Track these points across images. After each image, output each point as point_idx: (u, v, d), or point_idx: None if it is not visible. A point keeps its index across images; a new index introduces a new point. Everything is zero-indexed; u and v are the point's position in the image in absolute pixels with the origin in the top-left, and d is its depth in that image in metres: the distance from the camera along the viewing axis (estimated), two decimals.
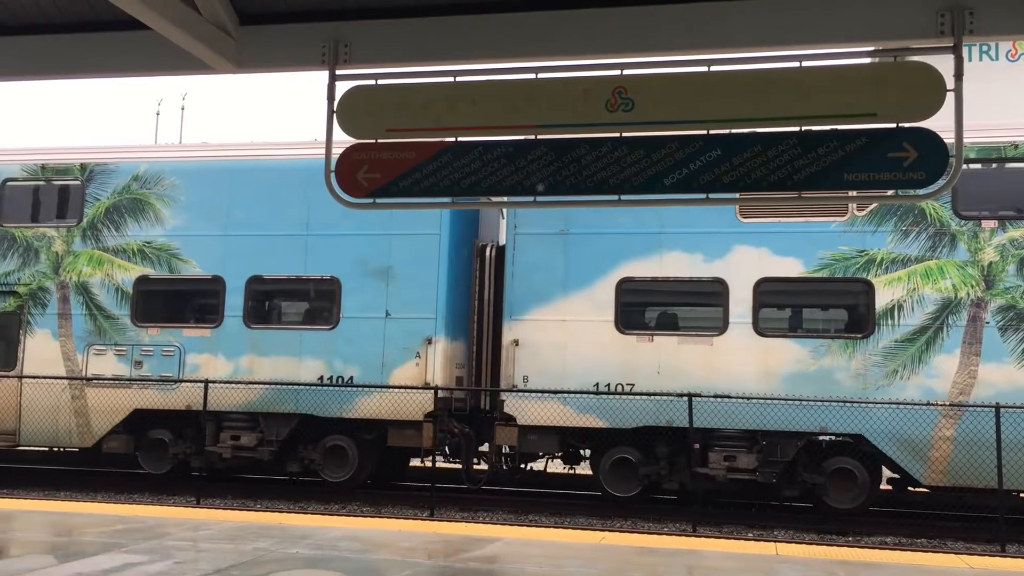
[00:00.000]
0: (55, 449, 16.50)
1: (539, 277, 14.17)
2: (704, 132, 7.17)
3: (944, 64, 6.81)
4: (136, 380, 14.99)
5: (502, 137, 7.47)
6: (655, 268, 13.91)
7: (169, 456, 15.22)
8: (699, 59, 7.22)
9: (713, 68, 7.16)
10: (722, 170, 7.13)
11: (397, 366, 14.39)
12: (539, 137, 7.41)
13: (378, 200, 7.74)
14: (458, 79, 7.55)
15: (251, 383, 14.67)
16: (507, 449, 14.57)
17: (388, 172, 7.60)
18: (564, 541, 10.30)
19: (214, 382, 14.37)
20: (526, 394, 13.73)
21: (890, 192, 7.51)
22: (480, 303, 14.98)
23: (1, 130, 73.24)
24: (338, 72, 7.77)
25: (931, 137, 6.81)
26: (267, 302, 15.61)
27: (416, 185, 7.58)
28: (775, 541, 11.41)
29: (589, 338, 13.84)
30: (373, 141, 7.66)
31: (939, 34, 6.88)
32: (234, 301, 15.10)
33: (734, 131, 7.16)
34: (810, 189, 7.06)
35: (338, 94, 7.70)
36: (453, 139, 7.52)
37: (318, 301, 15.25)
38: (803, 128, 7.00)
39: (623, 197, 7.42)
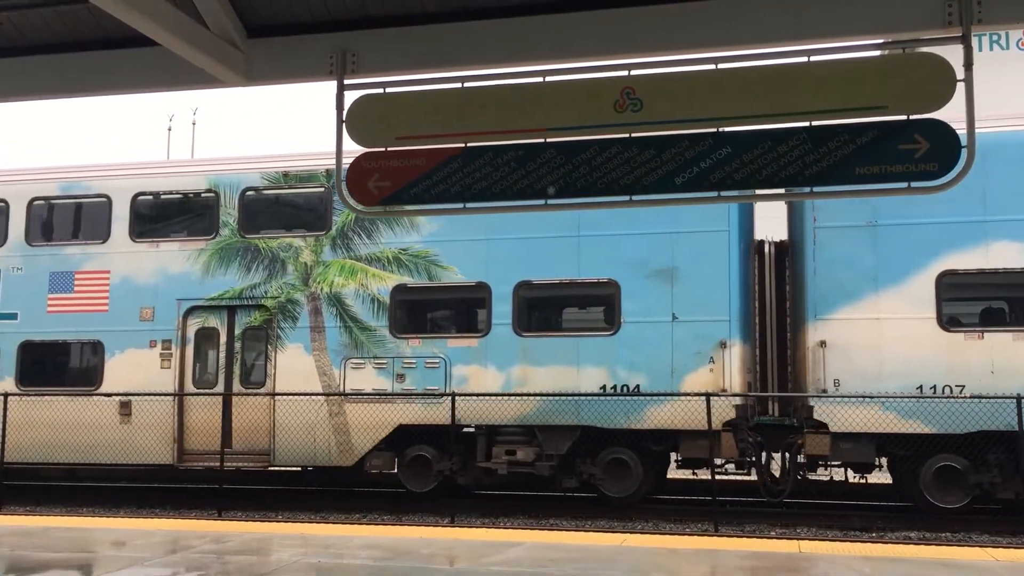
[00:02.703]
0: (307, 468, 15.90)
1: (845, 273, 13.27)
2: (714, 130, 7.16)
3: (954, 54, 6.78)
4: (400, 395, 14.30)
5: (512, 141, 7.48)
6: (980, 259, 12.96)
7: (433, 473, 14.47)
8: (706, 57, 7.21)
9: (721, 66, 7.15)
10: (733, 167, 7.12)
11: (689, 372, 13.54)
12: (548, 140, 7.42)
13: (389, 208, 7.78)
14: (466, 85, 7.58)
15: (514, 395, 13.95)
16: (803, 458, 13.61)
17: (398, 180, 7.62)
18: (586, 544, 10.27)
19: (475, 395, 13.89)
20: (839, 399, 12.94)
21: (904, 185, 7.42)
22: (761, 302, 14.10)
23: (13, 150, 73.79)
24: (346, 82, 7.81)
25: (942, 128, 6.79)
26: (538, 308, 14.92)
27: (427, 192, 7.61)
28: (798, 539, 11.35)
29: (907, 337, 12.95)
30: (383, 149, 7.69)
31: (947, 24, 6.86)
32: (502, 308, 14.31)
33: (744, 128, 7.14)
34: (821, 184, 7.04)
35: (347, 104, 7.74)
36: (463, 145, 7.54)
37: (595, 306, 14.68)
38: (813, 123, 6.98)
39: (635, 197, 7.41)
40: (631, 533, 11.68)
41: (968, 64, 6.75)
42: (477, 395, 13.92)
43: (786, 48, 7.17)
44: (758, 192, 7.86)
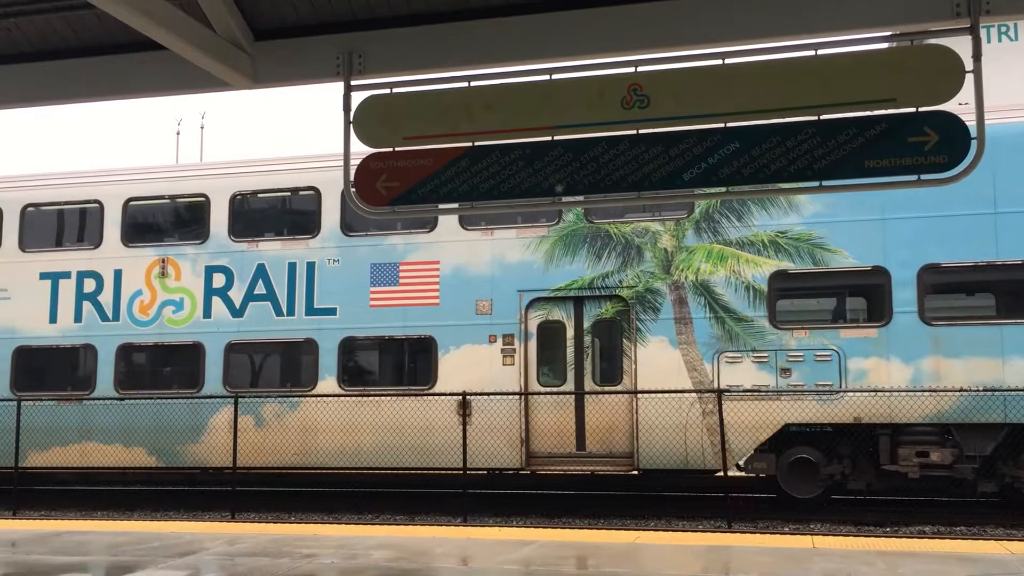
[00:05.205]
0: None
1: None
2: (721, 125, 7.14)
3: (962, 46, 6.75)
4: (786, 392, 13.13)
5: (519, 140, 7.48)
6: None
7: (821, 477, 13.34)
8: (713, 52, 7.19)
9: (728, 61, 7.13)
10: (741, 163, 7.10)
11: None
12: (556, 138, 7.41)
13: (397, 208, 7.79)
14: (472, 84, 7.57)
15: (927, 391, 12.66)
16: None
17: (407, 180, 7.63)
18: (598, 542, 10.26)
19: (876, 391, 12.69)
20: None
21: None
22: None
23: (21, 155, 74.06)
24: (353, 83, 7.82)
25: (952, 120, 6.76)
26: (949, 294, 13.67)
27: (435, 192, 7.61)
28: (811, 534, 11.30)
29: None
30: (391, 150, 7.69)
31: (955, 16, 6.83)
32: (904, 295, 13.00)
33: (752, 123, 7.12)
34: (831, 178, 7.01)
35: (354, 105, 7.75)
36: (470, 144, 7.53)
37: (1019, 289, 13.15)
38: (822, 117, 6.96)
39: (643, 194, 7.41)
40: (644, 531, 11.66)
41: (977, 55, 6.72)
42: (878, 391, 12.77)
43: (793, 42, 7.14)
44: (766, 187, 7.81)
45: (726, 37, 7.23)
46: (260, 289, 15.28)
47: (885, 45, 7.27)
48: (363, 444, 14.27)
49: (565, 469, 14.10)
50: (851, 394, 12.81)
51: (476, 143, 7.53)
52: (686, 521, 13.09)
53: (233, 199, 15.65)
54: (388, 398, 14.38)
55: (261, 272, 15.30)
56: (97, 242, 16.05)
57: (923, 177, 6.91)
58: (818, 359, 13.19)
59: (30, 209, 16.41)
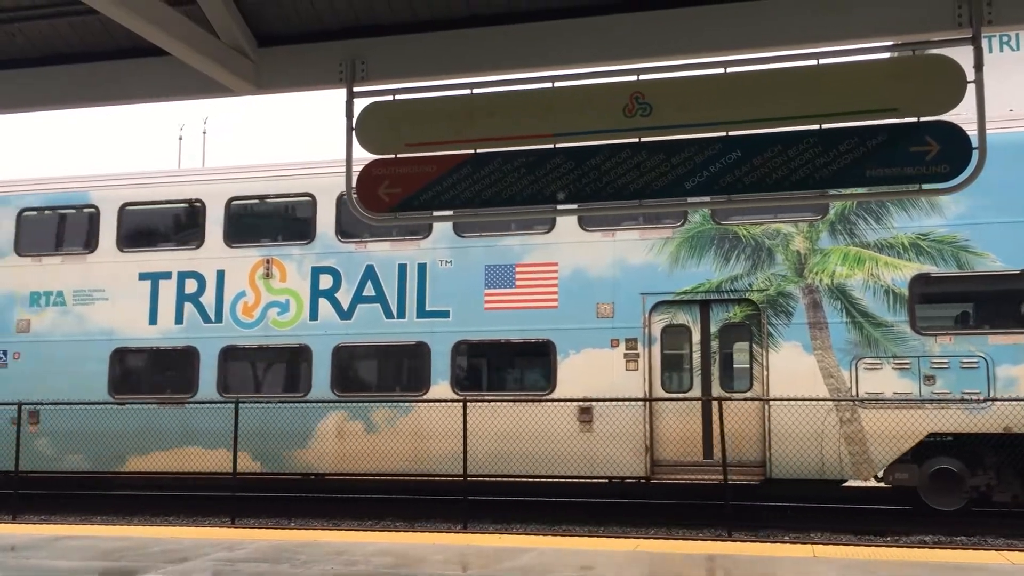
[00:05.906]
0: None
1: None
2: (723, 134, 7.15)
3: (964, 56, 6.77)
4: (931, 400, 12.70)
5: (521, 147, 7.50)
6: None
7: (964, 489, 12.92)
8: (716, 61, 7.22)
9: (730, 70, 7.15)
10: (743, 171, 7.12)
11: None
12: (558, 146, 7.43)
13: (399, 215, 7.81)
14: (475, 91, 7.59)
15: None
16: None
17: (408, 186, 7.65)
18: (598, 550, 10.25)
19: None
20: None
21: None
22: None
23: (21, 159, 74.15)
24: (356, 89, 7.85)
25: (953, 130, 6.77)
26: None
27: (437, 198, 7.63)
28: (812, 543, 11.29)
29: None
30: (393, 156, 7.71)
31: (957, 25, 6.85)
32: None
33: (754, 132, 7.13)
34: (832, 187, 7.04)
35: (356, 111, 7.77)
36: (472, 151, 7.55)
37: None
38: (823, 126, 6.97)
39: (644, 202, 7.42)
40: (644, 539, 11.65)
41: (978, 65, 6.74)
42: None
43: (795, 51, 7.16)
44: (768, 195, 7.82)
45: (728, 46, 7.25)
46: (369, 291, 14.97)
47: (887, 55, 7.27)
48: (476, 451, 13.77)
49: (692, 478, 13.67)
50: (1001, 403, 12.39)
51: (478, 150, 7.55)
52: (686, 529, 13.07)
53: (340, 199, 15.03)
54: (503, 404, 13.93)
55: (370, 273, 14.99)
56: (199, 242, 15.75)
57: (924, 187, 6.93)
58: (964, 366, 12.72)
59: (128, 208, 16.11)
